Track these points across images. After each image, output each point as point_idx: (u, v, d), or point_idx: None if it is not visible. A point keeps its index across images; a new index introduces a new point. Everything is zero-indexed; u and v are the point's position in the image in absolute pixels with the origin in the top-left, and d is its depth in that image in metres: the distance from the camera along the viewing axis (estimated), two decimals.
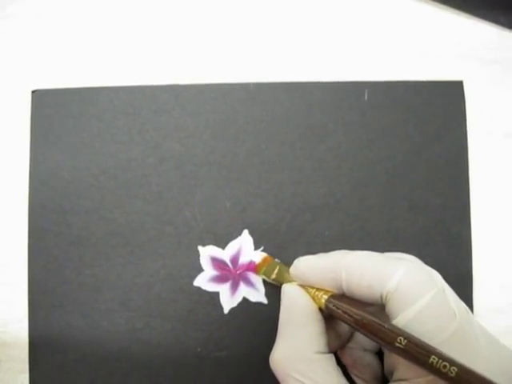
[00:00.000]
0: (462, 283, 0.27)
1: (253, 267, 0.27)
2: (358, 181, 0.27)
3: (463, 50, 0.29)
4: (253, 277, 0.27)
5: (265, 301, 0.27)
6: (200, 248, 0.27)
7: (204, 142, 0.28)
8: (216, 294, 0.27)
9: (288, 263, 0.25)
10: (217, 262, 0.27)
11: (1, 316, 0.28)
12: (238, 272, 0.27)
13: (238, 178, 0.27)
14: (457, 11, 0.30)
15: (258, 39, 0.29)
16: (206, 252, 0.27)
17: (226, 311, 0.27)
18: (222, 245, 0.27)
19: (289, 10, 0.29)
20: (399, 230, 0.27)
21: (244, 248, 0.27)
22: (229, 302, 0.27)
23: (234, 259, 0.27)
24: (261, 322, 0.27)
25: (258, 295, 0.27)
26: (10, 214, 0.28)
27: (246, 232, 0.27)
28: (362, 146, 0.28)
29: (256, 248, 0.27)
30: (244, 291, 0.27)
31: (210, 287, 0.27)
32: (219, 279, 0.27)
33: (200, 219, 0.27)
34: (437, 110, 0.28)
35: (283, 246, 0.27)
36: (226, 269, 0.27)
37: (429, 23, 0.29)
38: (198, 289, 0.27)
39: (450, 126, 0.28)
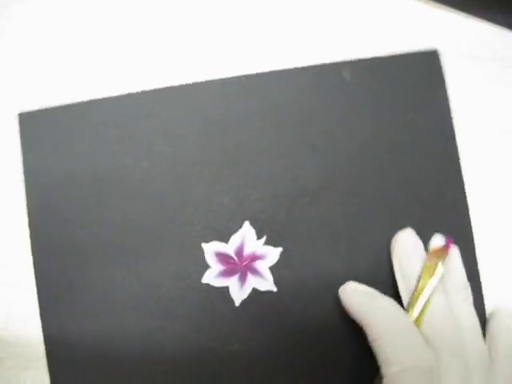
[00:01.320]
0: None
1: (258, 257, 0.27)
2: (352, 160, 0.28)
3: (461, 48, 0.30)
4: (260, 266, 0.27)
5: (274, 289, 0.27)
6: (204, 245, 0.28)
7: (193, 141, 0.28)
8: (226, 289, 0.27)
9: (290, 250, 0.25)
10: (222, 257, 0.27)
11: (1, 315, 0.28)
12: (244, 264, 0.27)
13: (232, 173, 0.28)
14: (454, 10, 0.30)
15: (237, 32, 0.29)
16: (210, 248, 0.27)
17: (237, 304, 0.27)
18: (225, 239, 0.28)
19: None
20: (397, 204, 0.28)
21: (247, 240, 0.27)
22: (239, 294, 0.27)
23: (239, 252, 0.27)
24: (272, 312, 0.27)
25: (266, 284, 0.27)
26: (11, 214, 0.28)
27: (247, 224, 0.27)
28: (351, 125, 0.28)
29: (258, 238, 0.27)
30: (253, 282, 0.27)
31: (219, 282, 0.27)
32: (227, 273, 0.27)
33: (200, 217, 0.28)
34: (417, 81, 0.28)
35: (285, 233, 0.27)
36: (232, 262, 0.27)
37: (427, 22, 0.30)
38: (207, 285, 0.27)
39: (432, 95, 0.28)
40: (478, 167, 0.29)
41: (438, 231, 0.27)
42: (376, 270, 0.27)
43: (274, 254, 0.27)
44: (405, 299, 0.26)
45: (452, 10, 0.30)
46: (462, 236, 0.28)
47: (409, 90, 0.28)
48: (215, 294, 0.27)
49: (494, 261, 0.28)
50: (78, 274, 0.28)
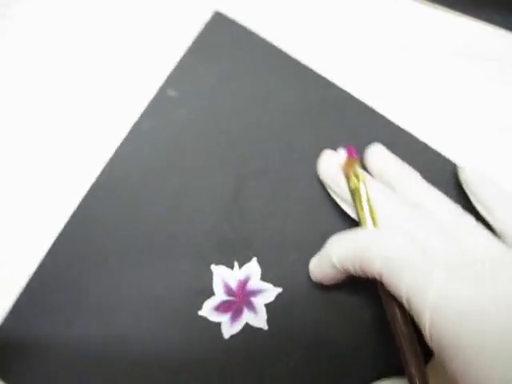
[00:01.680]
0: None
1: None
2: None
3: (458, 48, 0.31)
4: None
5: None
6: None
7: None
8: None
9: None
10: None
11: None
12: (243, 299, 0.29)
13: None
14: (451, 10, 0.31)
15: None
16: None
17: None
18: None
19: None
20: None
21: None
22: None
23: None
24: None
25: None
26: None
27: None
28: None
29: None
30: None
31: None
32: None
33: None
34: None
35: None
36: (233, 293, 0.29)
37: (423, 22, 0.31)
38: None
39: None
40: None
41: None
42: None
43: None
44: (354, 216, 0.27)
45: (448, 9, 0.31)
46: None
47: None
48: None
49: None
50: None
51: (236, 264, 0.29)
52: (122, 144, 0.30)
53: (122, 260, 0.29)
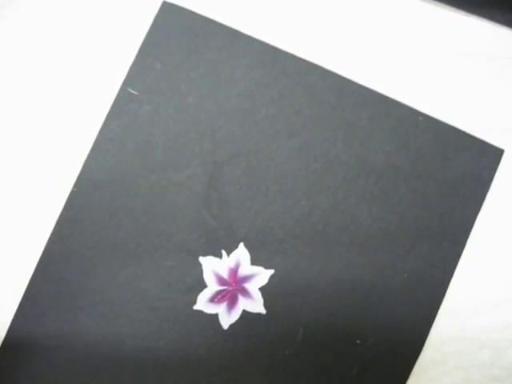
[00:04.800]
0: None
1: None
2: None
3: (459, 47, 0.31)
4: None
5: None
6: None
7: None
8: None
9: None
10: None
11: None
12: (236, 286, 0.28)
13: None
14: (453, 9, 0.31)
15: None
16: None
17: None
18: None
19: None
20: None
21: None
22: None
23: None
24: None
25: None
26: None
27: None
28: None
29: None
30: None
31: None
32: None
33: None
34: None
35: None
36: (225, 283, 0.29)
37: (425, 20, 0.31)
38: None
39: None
40: None
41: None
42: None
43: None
44: None
45: (450, 8, 0.31)
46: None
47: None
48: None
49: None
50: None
51: (224, 252, 0.29)
52: (92, 148, 0.29)
53: (110, 263, 0.29)
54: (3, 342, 0.28)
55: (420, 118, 0.30)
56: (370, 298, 0.29)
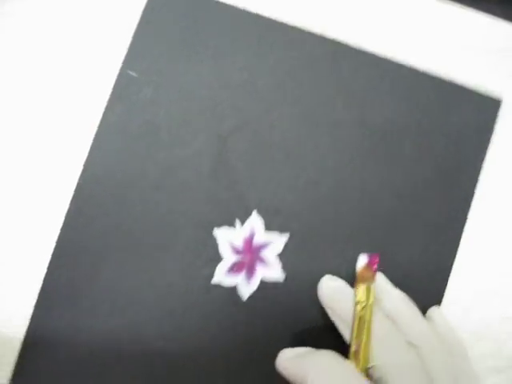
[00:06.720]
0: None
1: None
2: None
3: (458, 40, 0.31)
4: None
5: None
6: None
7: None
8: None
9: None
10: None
11: None
12: (252, 255, 0.29)
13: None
14: (451, 2, 0.31)
15: None
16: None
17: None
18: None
19: None
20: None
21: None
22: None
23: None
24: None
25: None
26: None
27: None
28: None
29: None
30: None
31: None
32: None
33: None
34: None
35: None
36: (241, 252, 0.29)
37: (424, 16, 0.31)
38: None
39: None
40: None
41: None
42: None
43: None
44: (347, 335, 0.26)
45: (449, 1, 0.31)
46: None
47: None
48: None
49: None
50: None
51: (238, 222, 0.29)
52: (97, 133, 0.29)
53: (124, 250, 0.29)
54: (24, 340, 0.28)
55: (417, 75, 0.31)
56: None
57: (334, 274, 0.28)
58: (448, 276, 0.29)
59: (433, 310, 0.28)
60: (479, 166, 0.30)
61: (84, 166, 0.29)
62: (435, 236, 0.29)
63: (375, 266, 0.27)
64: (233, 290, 0.28)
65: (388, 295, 0.27)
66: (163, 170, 0.29)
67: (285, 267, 0.29)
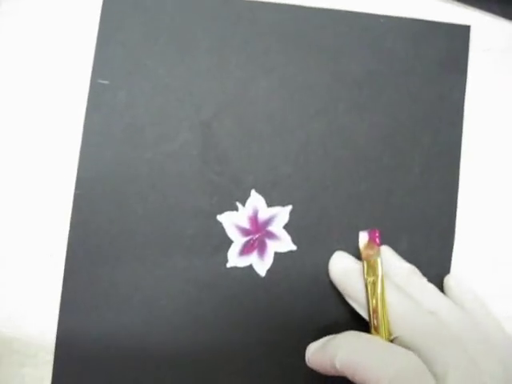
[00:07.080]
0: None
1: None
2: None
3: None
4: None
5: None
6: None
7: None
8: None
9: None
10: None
11: (3, 311, 0.29)
12: (261, 232, 0.29)
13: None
14: (450, 0, 0.31)
15: None
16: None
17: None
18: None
19: None
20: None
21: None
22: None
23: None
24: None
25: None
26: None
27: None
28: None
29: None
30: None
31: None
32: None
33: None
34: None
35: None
36: (250, 231, 0.29)
37: (422, 13, 0.31)
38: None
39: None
40: (474, 157, 0.30)
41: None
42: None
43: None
44: (364, 313, 0.26)
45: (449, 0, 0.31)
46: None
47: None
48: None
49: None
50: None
51: (239, 204, 0.29)
52: (82, 146, 0.29)
53: (133, 251, 0.29)
54: (57, 344, 0.29)
55: (381, 20, 0.30)
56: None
57: (341, 237, 0.29)
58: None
59: (447, 279, 0.28)
60: (462, 96, 0.30)
61: (77, 176, 0.29)
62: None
63: (378, 241, 0.27)
64: (250, 269, 0.29)
65: (396, 268, 0.27)
66: (155, 168, 0.29)
67: (294, 237, 0.29)
